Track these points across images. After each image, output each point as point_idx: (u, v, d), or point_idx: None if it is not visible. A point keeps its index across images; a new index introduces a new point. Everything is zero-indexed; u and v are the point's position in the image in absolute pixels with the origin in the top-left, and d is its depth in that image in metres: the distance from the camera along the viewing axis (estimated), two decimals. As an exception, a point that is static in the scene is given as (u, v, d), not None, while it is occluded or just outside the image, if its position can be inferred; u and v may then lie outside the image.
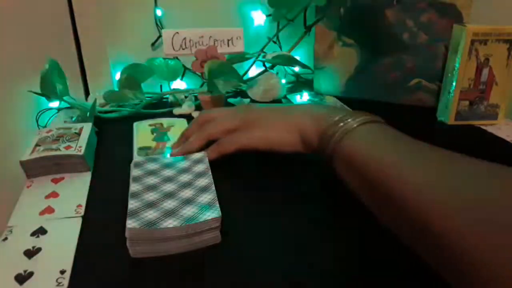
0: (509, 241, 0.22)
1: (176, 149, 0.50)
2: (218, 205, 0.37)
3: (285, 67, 0.83)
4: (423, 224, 0.27)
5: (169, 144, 0.53)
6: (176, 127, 0.58)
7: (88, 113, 0.60)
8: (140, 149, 0.52)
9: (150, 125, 0.59)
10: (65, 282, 0.31)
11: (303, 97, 0.75)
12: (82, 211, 0.40)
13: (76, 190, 0.44)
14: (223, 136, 0.47)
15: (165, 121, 0.60)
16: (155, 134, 0.56)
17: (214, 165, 0.46)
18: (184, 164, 0.46)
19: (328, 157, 0.39)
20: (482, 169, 0.29)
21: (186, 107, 0.67)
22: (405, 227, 0.30)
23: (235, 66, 0.62)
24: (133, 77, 0.61)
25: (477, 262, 0.23)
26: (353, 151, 0.36)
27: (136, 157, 0.50)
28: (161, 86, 0.77)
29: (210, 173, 0.44)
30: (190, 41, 0.65)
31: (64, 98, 0.60)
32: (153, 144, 0.53)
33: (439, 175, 0.29)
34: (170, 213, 0.36)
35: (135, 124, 0.59)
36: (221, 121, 0.48)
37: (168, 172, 0.44)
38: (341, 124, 0.38)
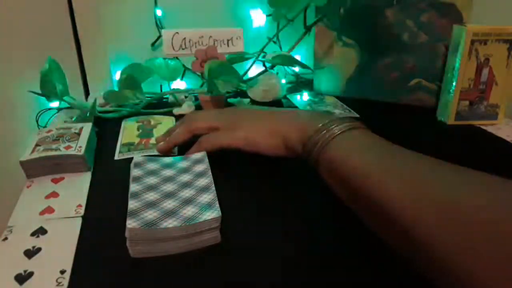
0: (469, 236, 0.25)
1: (160, 142, 0.51)
2: (218, 205, 0.37)
3: (285, 67, 0.83)
4: (402, 227, 0.29)
5: (152, 140, 0.54)
6: (163, 125, 0.60)
7: (88, 113, 0.60)
8: (123, 145, 0.53)
9: (137, 121, 0.61)
10: (65, 282, 0.31)
11: (303, 97, 0.75)
12: (82, 211, 0.40)
13: (76, 190, 0.44)
14: (207, 132, 0.48)
15: (153, 118, 0.62)
16: (140, 130, 0.58)
17: (214, 165, 0.46)
18: (184, 164, 0.46)
19: (313, 164, 0.40)
20: (454, 172, 0.31)
21: (186, 107, 0.67)
22: (386, 230, 0.32)
23: (235, 66, 0.62)
24: (133, 77, 0.61)
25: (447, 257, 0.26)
26: (334, 159, 0.37)
27: (118, 153, 0.51)
28: (161, 86, 0.77)
29: (210, 173, 0.44)
30: (190, 41, 0.65)
31: (64, 98, 0.60)
32: (136, 140, 0.55)
33: (415, 180, 0.30)
34: (170, 213, 0.36)
35: (123, 121, 0.60)
36: (206, 119, 0.49)
37: (168, 172, 0.44)
38: (324, 132, 0.39)
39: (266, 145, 0.44)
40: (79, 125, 0.54)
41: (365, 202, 0.33)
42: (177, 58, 0.69)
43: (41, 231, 0.37)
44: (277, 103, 0.73)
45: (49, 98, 0.59)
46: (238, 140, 0.45)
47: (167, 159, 0.47)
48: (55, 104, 0.64)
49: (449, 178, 0.30)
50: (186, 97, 0.72)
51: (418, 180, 0.30)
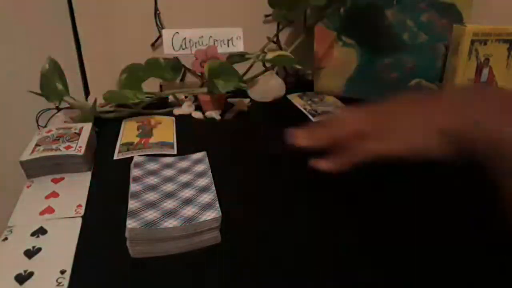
0: None
1: (302, 140, 0.40)
2: (218, 205, 0.37)
3: (285, 67, 0.83)
4: None
5: (152, 140, 0.54)
6: (163, 124, 0.60)
7: (88, 113, 0.60)
8: (123, 144, 0.53)
9: (137, 122, 0.61)
10: (65, 282, 0.31)
11: (303, 97, 0.75)
12: (82, 211, 0.40)
13: (76, 190, 0.44)
14: (352, 141, 0.38)
15: (153, 118, 0.62)
16: (140, 130, 0.58)
17: (214, 165, 0.46)
18: (184, 164, 0.46)
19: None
20: None
21: (186, 107, 0.67)
22: None
23: (235, 66, 0.62)
24: (133, 77, 0.61)
25: None
26: None
27: (118, 153, 0.51)
28: (161, 86, 0.77)
29: (210, 173, 0.44)
30: (190, 41, 0.65)
31: (64, 98, 0.60)
32: (136, 139, 0.55)
33: None
34: (170, 213, 0.36)
35: (124, 121, 0.60)
36: (352, 122, 0.40)
37: (168, 172, 0.44)
38: None
39: (431, 150, 0.34)
40: (79, 125, 0.54)
41: None
42: (177, 58, 0.69)
43: (41, 231, 0.37)
44: (277, 103, 0.73)
45: (49, 98, 0.59)
46: (393, 148, 0.36)
47: (167, 159, 0.47)
48: (55, 104, 0.64)
49: None
50: (186, 97, 0.72)
51: None
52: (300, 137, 0.40)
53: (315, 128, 0.41)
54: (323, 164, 0.38)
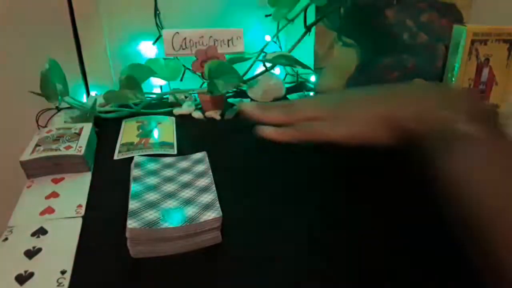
0: None
1: (250, 107, 0.43)
2: (218, 205, 0.37)
3: (285, 67, 0.83)
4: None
5: (152, 140, 0.54)
6: (163, 125, 0.60)
7: (88, 113, 0.60)
8: (123, 144, 0.53)
9: (137, 121, 0.61)
10: (66, 282, 0.31)
11: (304, 97, 0.75)
12: (82, 211, 0.40)
13: (76, 190, 0.44)
14: (305, 123, 0.41)
15: (153, 118, 0.62)
16: (140, 130, 0.58)
17: (214, 165, 0.46)
18: (184, 164, 0.46)
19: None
20: None
21: (186, 107, 0.67)
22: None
23: (235, 66, 0.62)
24: (133, 77, 0.61)
25: None
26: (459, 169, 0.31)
27: (118, 153, 0.51)
28: (161, 86, 0.77)
29: (211, 173, 0.44)
30: (190, 41, 0.65)
31: (64, 98, 0.60)
32: (136, 140, 0.55)
33: None
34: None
35: (123, 121, 0.60)
36: (307, 108, 0.43)
37: (168, 172, 0.44)
38: (447, 129, 0.33)
39: (374, 137, 0.38)
40: (79, 125, 0.54)
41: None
42: (177, 58, 0.69)
43: (41, 231, 0.37)
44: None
45: (49, 98, 0.59)
46: (343, 134, 0.39)
47: (168, 159, 0.47)
48: (55, 104, 0.63)
49: None
50: (186, 97, 0.72)
51: None
52: (250, 106, 0.43)
53: (271, 107, 0.45)
54: (269, 132, 0.40)
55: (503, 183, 0.29)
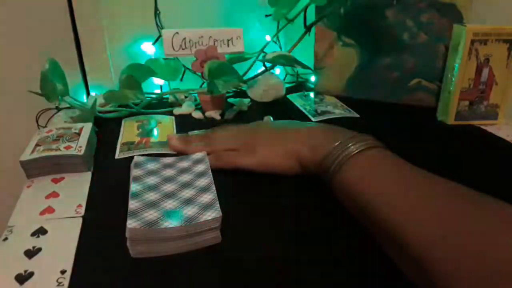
0: (475, 267, 0.26)
1: (175, 142, 0.51)
2: (218, 205, 0.37)
3: (285, 67, 0.83)
4: (407, 250, 0.30)
5: (153, 139, 0.55)
6: (163, 124, 0.60)
7: (88, 113, 0.60)
8: (123, 144, 0.53)
9: (137, 121, 0.61)
10: (66, 282, 0.31)
11: (303, 97, 0.75)
12: (82, 211, 0.40)
13: (76, 190, 0.44)
14: (222, 151, 0.48)
15: (153, 118, 0.62)
16: (140, 130, 0.58)
17: (214, 165, 0.46)
18: (184, 164, 0.46)
19: (327, 183, 0.40)
20: (468, 199, 0.31)
21: (186, 107, 0.67)
22: (398, 256, 0.32)
23: (235, 66, 0.62)
24: (133, 77, 0.61)
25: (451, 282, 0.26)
26: (348, 181, 0.37)
27: (119, 152, 0.51)
28: (161, 86, 0.77)
29: (211, 173, 0.44)
30: (190, 41, 0.65)
31: (64, 98, 0.60)
32: (136, 139, 0.55)
33: (426, 205, 0.31)
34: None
35: (123, 120, 0.61)
36: (225, 141, 0.49)
37: (168, 172, 0.44)
38: (339, 152, 0.39)
39: (280, 167, 0.45)
40: (79, 125, 0.54)
41: (382, 229, 0.33)
42: (177, 58, 0.69)
43: (41, 231, 0.37)
44: (277, 103, 0.73)
45: (49, 98, 0.59)
46: (253, 163, 0.46)
47: (168, 159, 0.47)
48: (55, 104, 0.63)
49: (486, 219, 0.28)
50: (186, 97, 0.72)
51: (449, 223, 0.29)
52: (174, 141, 0.51)
53: (191, 137, 0.52)
54: (173, 141, 0.51)
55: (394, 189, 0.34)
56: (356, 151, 0.38)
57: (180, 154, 0.50)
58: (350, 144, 0.39)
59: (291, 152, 0.44)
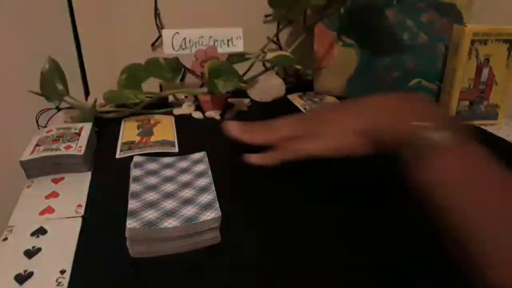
0: None
1: (235, 130, 0.45)
2: (218, 205, 0.37)
3: (285, 67, 0.83)
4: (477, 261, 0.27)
5: (153, 138, 0.55)
6: (163, 123, 0.60)
7: (88, 113, 0.60)
8: (124, 143, 0.54)
9: (137, 121, 0.61)
10: (65, 282, 0.31)
11: (303, 97, 0.75)
12: (82, 211, 0.40)
13: (76, 190, 0.44)
14: (286, 142, 0.43)
15: (153, 117, 0.62)
16: (140, 129, 0.58)
17: (214, 165, 0.46)
18: (184, 164, 0.46)
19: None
20: None
21: (186, 107, 0.67)
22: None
23: (235, 66, 0.62)
24: (133, 77, 0.61)
25: None
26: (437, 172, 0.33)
27: (120, 152, 0.51)
28: (161, 86, 0.77)
29: (210, 173, 0.44)
30: (190, 41, 0.65)
31: (64, 98, 0.60)
32: (137, 138, 0.55)
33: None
34: (170, 213, 0.36)
35: (123, 120, 0.61)
36: (288, 127, 0.45)
37: (168, 172, 0.44)
38: (426, 137, 0.34)
39: (353, 148, 0.40)
40: (79, 125, 0.54)
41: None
42: (177, 58, 0.69)
43: (41, 231, 0.37)
44: (277, 103, 0.73)
45: (49, 98, 0.59)
46: (323, 148, 0.41)
47: (167, 159, 0.47)
48: (55, 104, 0.63)
49: None
50: (186, 97, 0.72)
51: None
52: (234, 129, 0.45)
53: (252, 124, 0.46)
54: (254, 158, 0.43)
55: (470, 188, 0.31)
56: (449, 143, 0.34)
57: (237, 139, 0.44)
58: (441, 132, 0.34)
59: (367, 130, 0.39)
